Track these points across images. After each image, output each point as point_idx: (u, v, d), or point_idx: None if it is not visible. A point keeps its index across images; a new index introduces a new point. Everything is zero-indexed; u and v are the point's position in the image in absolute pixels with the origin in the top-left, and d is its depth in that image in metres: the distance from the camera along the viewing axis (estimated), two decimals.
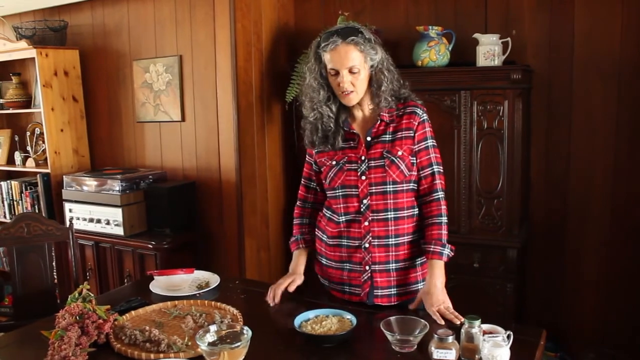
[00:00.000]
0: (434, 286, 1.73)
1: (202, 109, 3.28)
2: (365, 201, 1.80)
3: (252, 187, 3.32)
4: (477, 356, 1.43)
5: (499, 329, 1.52)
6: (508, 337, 1.42)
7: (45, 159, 3.66)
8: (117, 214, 3.11)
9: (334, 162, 1.85)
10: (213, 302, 1.90)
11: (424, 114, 1.84)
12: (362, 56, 1.74)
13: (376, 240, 1.81)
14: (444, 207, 1.83)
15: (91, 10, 3.68)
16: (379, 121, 1.82)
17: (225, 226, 3.29)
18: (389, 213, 1.81)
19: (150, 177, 3.32)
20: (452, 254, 1.79)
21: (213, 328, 1.56)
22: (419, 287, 1.86)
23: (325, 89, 1.82)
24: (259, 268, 3.41)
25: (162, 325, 1.77)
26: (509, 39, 2.80)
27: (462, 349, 1.45)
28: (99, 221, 3.20)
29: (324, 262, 1.95)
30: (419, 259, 1.87)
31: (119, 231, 3.12)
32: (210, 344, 1.51)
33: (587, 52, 2.87)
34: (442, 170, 1.85)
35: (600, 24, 2.83)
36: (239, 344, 1.47)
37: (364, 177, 1.79)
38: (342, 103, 1.83)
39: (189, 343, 1.57)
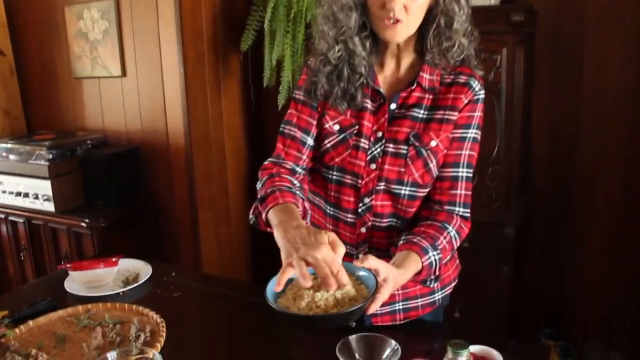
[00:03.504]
0: (400, 277, 1.14)
1: (144, 62, 2.85)
2: (367, 200, 1.31)
3: (206, 152, 2.93)
4: None
5: (495, 353, 1.16)
6: None
7: None
8: (45, 187, 2.71)
9: (336, 128, 1.32)
10: (134, 306, 1.54)
11: (481, 91, 1.30)
12: None
13: (374, 251, 1.34)
14: (461, 225, 1.31)
15: None
16: (415, 84, 1.29)
17: (175, 198, 2.92)
18: (396, 221, 1.34)
19: (88, 142, 2.90)
20: (434, 277, 1.24)
21: (112, 356, 1.20)
22: (437, 299, 1.43)
23: (358, 11, 1.25)
24: (218, 244, 3.06)
25: (63, 341, 1.41)
26: None
27: None
28: (26, 195, 2.80)
29: None
30: None
31: (49, 207, 2.73)
32: None
33: None
34: (471, 177, 1.32)
35: None
36: None
37: (373, 166, 1.29)
38: (380, 38, 1.27)
39: None
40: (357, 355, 1.20)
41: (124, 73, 2.92)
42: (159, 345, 1.32)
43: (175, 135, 2.83)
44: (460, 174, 1.30)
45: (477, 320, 2.50)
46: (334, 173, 1.33)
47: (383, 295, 1.08)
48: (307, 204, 1.26)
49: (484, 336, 2.48)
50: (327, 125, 1.33)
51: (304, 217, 1.22)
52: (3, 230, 3.04)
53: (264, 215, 1.18)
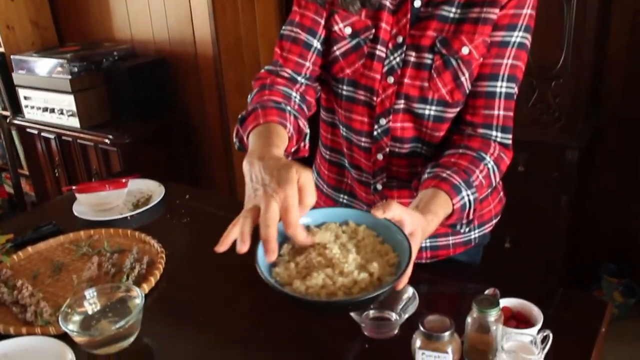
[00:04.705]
0: (428, 227, 0.88)
1: None
2: (383, 121, 1.09)
3: (237, 62, 2.73)
4: (489, 358, 0.90)
5: (534, 309, 0.95)
6: (544, 339, 0.86)
7: None
8: (69, 102, 2.61)
9: (348, 31, 1.07)
10: (137, 233, 1.44)
11: None
12: None
13: (395, 181, 1.16)
14: (500, 154, 1.05)
15: None
16: None
17: (205, 112, 2.78)
18: (420, 146, 1.12)
19: (114, 53, 2.76)
20: (466, 221, 0.99)
21: (90, 294, 1.09)
22: (473, 237, 1.23)
23: None
24: None
25: (59, 270, 1.33)
26: None
27: (468, 347, 0.91)
28: (53, 111, 2.72)
29: (314, 178, 1.34)
30: None
31: (75, 122, 2.65)
32: (85, 319, 1.05)
33: None
34: (513, 93, 1.05)
35: None
36: (122, 322, 0.99)
37: (391, 79, 1.06)
38: None
39: (69, 310, 1.09)
40: None
41: None
42: (152, 279, 1.21)
43: (202, 44, 2.65)
44: (498, 90, 1.03)
45: (529, 253, 2.29)
46: (344, 87, 1.11)
47: (411, 256, 0.81)
48: (302, 123, 1.03)
49: (534, 273, 2.32)
50: (336, 28, 1.08)
51: (299, 139, 1.01)
52: (38, 146, 3.02)
53: (245, 140, 0.97)
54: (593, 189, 2.51)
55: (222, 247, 0.77)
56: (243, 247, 0.74)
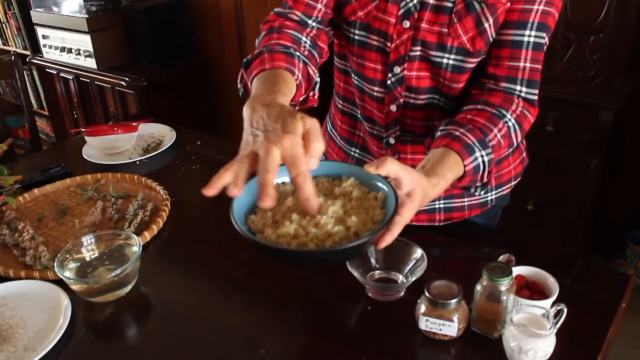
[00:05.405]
0: (432, 189, 0.81)
1: None
2: (397, 69, 1.01)
3: (259, 6, 2.62)
4: (498, 329, 0.84)
5: (550, 280, 0.89)
6: (557, 314, 0.80)
7: None
8: (86, 42, 2.56)
9: None
10: (144, 179, 1.41)
11: None
12: None
13: (409, 135, 1.09)
14: (523, 111, 0.96)
15: None
16: None
17: (225, 56, 2.69)
18: (438, 97, 1.04)
19: None
20: (480, 184, 0.92)
21: (88, 240, 1.06)
22: (489, 199, 1.16)
23: None
24: None
25: (64, 213, 1.31)
26: None
27: (476, 316, 0.86)
28: (70, 51, 2.67)
29: (328, 129, 1.28)
30: None
31: (92, 63, 2.60)
32: (81, 266, 1.03)
33: None
34: (542, 44, 0.95)
35: None
36: (119, 271, 0.96)
37: (407, 24, 0.97)
38: None
39: (67, 256, 1.06)
40: (372, 262, 0.99)
41: None
42: (154, 227, 1.18)
43: None
44: (525, 39, 0.93)
45: (552, 217, 2.21)
46: (356, 32, 1.02)
47: (404, 218, 0.75)
48: (312, 70, 0.95)
49: (556, 237, 2.24)
50: None
51: (308, 87, 0.94)
52: (57, 87, 3.00)
53: (249, 85, 0.90)
54: (624, 154, 2.39)
55: (211, 190, 0.69)
56: (236, 190, 0.68)
